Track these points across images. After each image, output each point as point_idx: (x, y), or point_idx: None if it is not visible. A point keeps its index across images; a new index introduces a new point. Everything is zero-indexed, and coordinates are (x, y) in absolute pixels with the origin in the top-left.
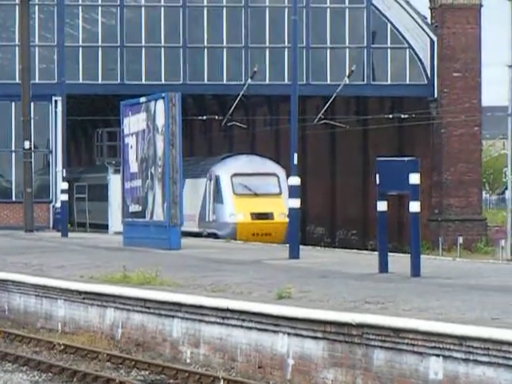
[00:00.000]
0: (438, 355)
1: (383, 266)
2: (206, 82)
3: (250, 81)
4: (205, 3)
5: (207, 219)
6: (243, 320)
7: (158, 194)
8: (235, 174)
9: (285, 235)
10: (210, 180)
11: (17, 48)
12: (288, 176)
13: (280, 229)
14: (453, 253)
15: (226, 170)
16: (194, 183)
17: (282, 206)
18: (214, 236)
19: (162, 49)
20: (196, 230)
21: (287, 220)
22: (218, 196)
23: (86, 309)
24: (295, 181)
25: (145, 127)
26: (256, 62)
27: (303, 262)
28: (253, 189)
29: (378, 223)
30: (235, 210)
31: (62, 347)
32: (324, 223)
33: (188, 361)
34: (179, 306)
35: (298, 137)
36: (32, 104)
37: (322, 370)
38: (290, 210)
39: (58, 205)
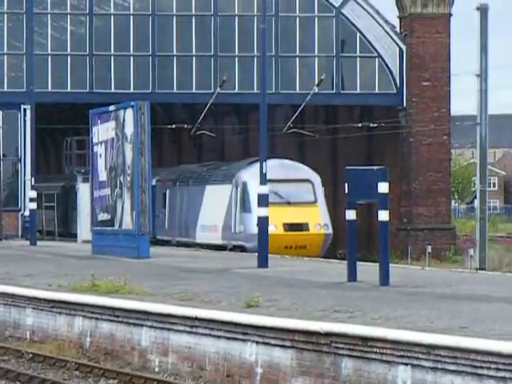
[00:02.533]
0: (406, 364)
1: (352, 275)
2: (175, 90)
3: (219, 89)
4: (174, 12)
5: (233, 230)
6: (211, 329)
7: (127, 203)
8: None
9: (321, 248)
10: (237, 187)
11: None
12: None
13: (316, 241)
14: (421, 262)
15: (254, 175)
16: (215, 190)
17: (318, 216)
18: (241, 249)
19: (131, 57)
20: (219, 242)
21: (324, 231)
22: (245, 205)
23: (54, 317)
24: (264, 189)
25: (114, 136)
26: (225, 70)
27: (272, 270)
28: (285, 196)
29: (347, 232)
30: None
31: (31, 356)
32: None
33: (156, 369)
34: (147, 314)
35: (267, 145)
36: (1, 112)
37: (291, 378)
38: (260, 218)
39: (27, 213)
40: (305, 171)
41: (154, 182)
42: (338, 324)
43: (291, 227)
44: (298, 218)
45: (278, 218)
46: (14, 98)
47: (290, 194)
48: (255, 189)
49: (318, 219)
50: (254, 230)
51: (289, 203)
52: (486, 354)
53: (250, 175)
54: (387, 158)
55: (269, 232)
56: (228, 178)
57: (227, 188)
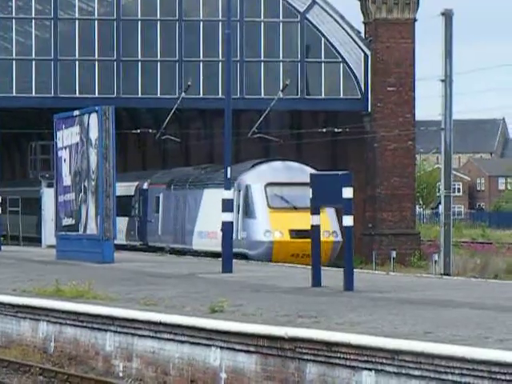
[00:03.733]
0: (370, 369)
1: (316, 280)
2: (139, 95)
3: (183, 94)
4: (139, 16)
5: (235, 237)
6: (176, 334)
7: (92, 208)
8: (270, 184)
9: (330, 257)
10: (239, 191)
11: None
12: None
13: (324, 249)
14: (386, 267)
15: (258, 178)
16: (214, 194)
17: (327, 222)
18: (243, 257)
19: (96, 62)
20: (218, 249)
21: (333, 239)
22: (249, 210)
23: (18, 322)
24: (228, 194)
25: (78, 140)
26: (190, 75)
27: (236, 275)
28: (291, 201)
29: (312, 237)
30: (271, 227)
31: None
32: None
33: (121, 374)
34: (112, 319)
35: (232, 151)
36: None
37: (255, 383)
38: (224, 223)
39: None
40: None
41: (145, 186)
42: (303, 329)
43: (298, 234)
44: (305, 224)
45: (284, 224)
46: None
47: (295, 199)
48: (259, 193)
49: (326, 226)
50: (258, 236)
51: (295, 208)
52: (450, 360)
53: (253, 178)
54: (352, 163)
55: (274, 239)
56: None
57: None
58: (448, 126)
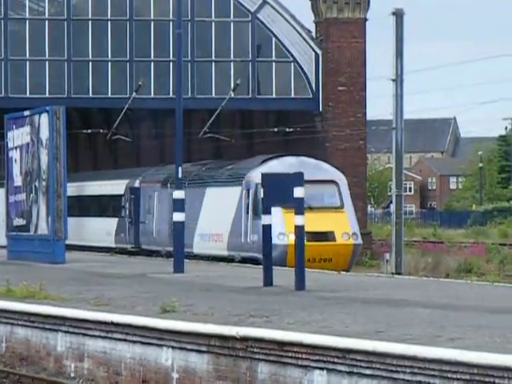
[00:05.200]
0: (322, 368)
1: (268, 280)
2: (90, 95)
3: (134, 94)
4: (89, 16)
5: (243, 240)
6: (127, 334)
7: (43, 208)
8: None
9: (349, 261)
10: (248, 189)
11: None
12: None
13: (343, 253)
14: None
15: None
16: (219, 193)
17: (346, 224)
18: (253, 262)
19: (47, 62)
20: (223, 253)
21: (353, 242)
22: (259, 210)
23: None
24: (180, 194)
25: (29, 141)
26: (141, 75)
27: (188, 275)
28: (306, 200)
29: (263, 237)
30: (285, 229)
31: None
32: None
33: (72, 375)
34: (63, 319)
35: (184, 150)
36: None
37: (207, 383)
38: (175, 223)
39: None
40: (328, 171)
41: (137, 184)
42: (254, 329)
43: (314, 237)
44: (323, 225)
45: None
46: None
47: (311, 198)
48: None
49: (345, 227)
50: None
51: (310, 208)
52: (402, 358)
53: None
54: None
55: (289, 242)
56: (236, 180)
57: (235, 191)
58: (399, 126)
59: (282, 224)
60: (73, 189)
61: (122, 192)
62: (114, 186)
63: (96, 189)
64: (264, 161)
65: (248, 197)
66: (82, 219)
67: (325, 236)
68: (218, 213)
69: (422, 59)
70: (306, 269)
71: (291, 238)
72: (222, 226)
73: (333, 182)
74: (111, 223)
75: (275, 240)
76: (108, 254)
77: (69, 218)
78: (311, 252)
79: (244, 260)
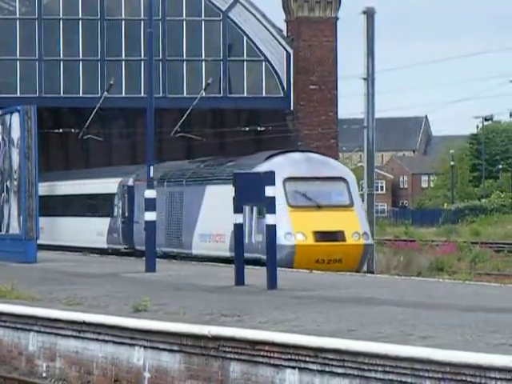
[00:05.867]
0: (293, 367)
1: (240, 279)
2: (62, 94)
3: (106, 94)
4: (60, 16)
5: (247, 241)
6: (99, 333)
7: (14, 208)
8: (289, 179)
9: (360, 262)
10: None
11: None
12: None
13: (353, 253)
14: None
15: (275, 172)
16: (220, 191)
17: (356, 223)
18: (256, 263)
19: (18, 61)
20: (225, 254)
21: (363, 242)
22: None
23: None
24: (151, 194)
25: (0, 140)
26: (112, 74)
27: (160, 274)
28: (314, 198)
29: (235, 236)
30: (292, 228)
31: None
32: None
33: (44, 374)
34: (35, 319)
35: (155, 149)
36: None
37: (179, 382)
38: (147, 223)
39: None
40: (336, 167)
41: (130, 182)
42: (226, 328)
43: (323, 236)
44: (332, 225)
45: (307, 225)
46: None
47: (319, 196)
48: (278, 189)
49: (355, 227)
50: (278, 240)
51: (319, 207)
52: (374, 357)
53: None
54: None
55: (297, 242)
56: None
57: None
58: (370, 124)
59: (289, 223)
60: (60, 187)
61: (114, 191)
62: (106, 185)
63: (86, 187)
64: (268, 157)
65: None
66: (71, 219)
67: (334, 236)
68: (219, 212)
69: (394, 58)
70: (315, 271)
71: (299, 238)
72: (224, 226)
73: (341, 178)
74: (103, 223)
75: (281, 240)
76: (97, 254)
77: (56, 217)
78: (320, 253)
79: (247, 261)
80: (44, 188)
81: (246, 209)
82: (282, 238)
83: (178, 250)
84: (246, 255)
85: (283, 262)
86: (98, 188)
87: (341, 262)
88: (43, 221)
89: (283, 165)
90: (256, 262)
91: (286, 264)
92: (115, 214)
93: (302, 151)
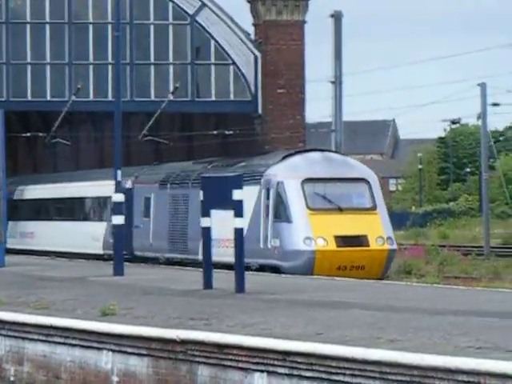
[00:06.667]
0: (262, 371)
1: (208, 282)
2: (29, 98)
3: (73, 97)
4: (28, 19)
5: (262, 246)
6: (67, 337)
7: None
8: (308, 180)
9: (384, 269)
10: (267, 188)
11: None
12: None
13: (378, 259)
14: None
15: (292, 173)
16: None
17: (379, 227)
18: (273, 270)
19: None
20: None
21: (388, 247)
22: (282, 212)
23: None
24: (119, 197)
25: None
26: (80, 78)
27: (128, 278)
28: (335, 201)
29: (203, 240)
30: (312, 233)
31: None
32: None
33: (12, 378)
34: (2, 323)
35: (123, 153)
36: None
37: None
38: (115, 226)
39: None
40: (357, 167)
41: (129, 184)
42: (194, 331)
43: (346, 241)
44: (354, 229)
45: (328, 230)
46: None
47: (340, 198)
48: (295, 191)
49: (379, 231)
50: (296, 245)
51: (340, 210)
52: (341, 360)
53: (286, 173)
54: None
55: (317, 248)
56: (252, 178)
57: (252, 190)
58: (338, 128)
59: (309, 227)
60: (50, 190)
61: (110, 193)
62: (102, 187)
63: (80, 190)
64: (285, 157)
65: (268, 197)
66: (64, 223)
67: (357, 241)
68: (229, 216)
69: (362, 61)
70: (336, 277)
71: (319, 244)
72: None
73: (363, 179)
74: (98, 228)
75: (300, 246)
76: (88, 259)
77: (47, 221)
78: (341, 259)
79: (262, 268)
80: (33, 191)
81: (261, 212)
82: (300, 243)
83: (183, 256)
84: (261, 261)
85: (302, 269)
86: (93, 191)
87: (364, 268)
88: (33, 225)
89: (301, 165)
90: (272, 269)
91: (306, 271)
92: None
93: (321, 150)
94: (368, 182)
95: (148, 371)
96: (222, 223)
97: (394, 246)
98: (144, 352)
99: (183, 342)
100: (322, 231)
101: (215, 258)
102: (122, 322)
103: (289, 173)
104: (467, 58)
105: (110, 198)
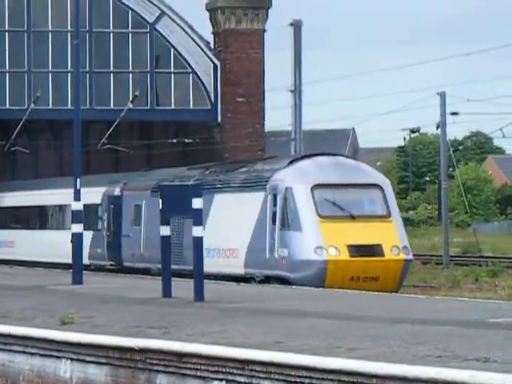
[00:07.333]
0: (221, 379)
1: (167, 291)
2: None
3: (33, 105)
4: None
5: (268, 255)
6: (26, 346)
7: None
8: (318, 186)
9: (399, 280)
10: (275, 194)
11: None
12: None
13: (393, 270)
14: None
15: (301, 178)
16: (233, 200)
17: (394, 235)
18: (281, 282)
19: None
20: (239, 271)
21: (404, 257)
22: (291, 220)
23: None
24: (78, 206)
25: None
26: (39, 86)
27: (87, 287)
28: (347, 208)
29: (161, 248)
30: (324, 242)
31: None
32: None
33: None
34: None
35: (83, 162)
36: None
37: None
38: (74, 235)
39: None
40: (370, 172)
41: (117, 192)
42: (153, 340)
43: (359, 251)
44: (368, 238)
45: (340, 238)
46: None
47: (353, 205)
48: (305, 197)
49: (394, 240)
50: (306, 254)
51: (352, 217)
52: (301, 369)
53: (294, 178)
54: None
55: (329, 257)
56: (257, 184)
57: (256, 197)
58: (298, 136)
59: (320, 236)
60: (32, 197)
61: (97, 201)
62: (88, 195)
63: (63, 197)
64: (292, 161)
65: (275, 204)
66: (46, 232)
67: (371, 250)
68: (231, 223)
69: (322, 69)
70: (349, 290)
71: (331, 253)
72: (238, 239)
73: (376, 185)
74: (84, 237)
75: (311, 255)
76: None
77: (28, 231)
78: (355, 269)
79: (267, 279)
80: (13, 198)
81: (267, 219)
82: (311, 253)
83: (179, 267)
84: (266, 272)
85: (313, 281)
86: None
87: (378, 280)
88: (14, 234)
89: (310, 170)
90: (278, 281)
91: (317, 282)
92: (99, 226)
93: (331, 154)
94: (381, 188)
95: (107, 380)
96: (225, 232)
97: (410, 256)
98: (103, 360)
99: (142, 351)
100: (334, 240)
101: (215, 269)
102: (80, 331)
103: (297, 178)
104: (427, 68)
105: (96, 205)
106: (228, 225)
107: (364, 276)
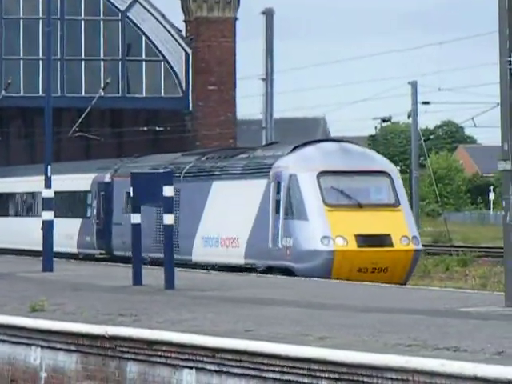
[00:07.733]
0: (191, 367)
1: (137, 279)
2: None
3: (3, 93)
4: None
5: (271, 245)
6: None
7: None
8: (324, 173)
9: (408, 272)
10: (278, 182)
11: None
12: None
13: (402, 261)
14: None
15: (306, 165)
16: (233, 188)
17: (404, 225)
18: (284, 272)
19: None
20: (239, 261)
21: (413, 247)
22: (296, 208)
23: None
24: (49, 193)
25: None
26: (10, 73)
27: (57, 274)
28: (354, 196)
29: (132, 236)
30: (330, 231)
31: None
32: None
33: None
34: None
35: (54, 149)
36: None
37: (75, 382)
38: (44, 222)
39: None
40: (377, 159)
41: (107, 178)
42: (123, 328)
43: (367, 241)
44: (376, 227)
45: (348, 228)
46: None
47: (360, 193)
48: (310, 185)
49: (403, 230)
50: (312, 244)
51: (360, 206)
52: (272, 357)
53: (299, 165)
54: None
55: (336, 247)
56: (259, 171)
57: (258, 184)
58: (269, 125)
59: (327, 225)
60: (18, 184)
61: (87, 188)
62: (76, 181)
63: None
64: (295, 147)
65: (278, 192)
66: (32, 220)
67: (379, 240)
68: (230, 211)
69: (294, 58)
70: (355, 282)
71: (339, 243)
72: (238, 228)
73: (384, 173)
74: (72, 225)
75: (317, 245)
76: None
77: (13, 218)
78: (363, 260)
79: (269, 270)
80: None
81: (270, 208)
82: (317, 243)
83: (174, 257)
84: (269, 263)
85: (319, 271)
86: (66, 185)
87: (387, 271)
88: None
89: (315, 156)
90: (282, 271)
91: (323, 273)
92: (88, 214)
93: (337, 140)
94: (389, 176)
95: (77, 367)
96: (224, 220)
97: (420, 247)
98: (73, 348)
99: (112, 338)
100: (342, 230)
101: (212, 258)
102: (51, 318)
103: (302, 165)
104: (399, 57)
105: (86, 192)
106: (227, 213)
107: (372, 267)
